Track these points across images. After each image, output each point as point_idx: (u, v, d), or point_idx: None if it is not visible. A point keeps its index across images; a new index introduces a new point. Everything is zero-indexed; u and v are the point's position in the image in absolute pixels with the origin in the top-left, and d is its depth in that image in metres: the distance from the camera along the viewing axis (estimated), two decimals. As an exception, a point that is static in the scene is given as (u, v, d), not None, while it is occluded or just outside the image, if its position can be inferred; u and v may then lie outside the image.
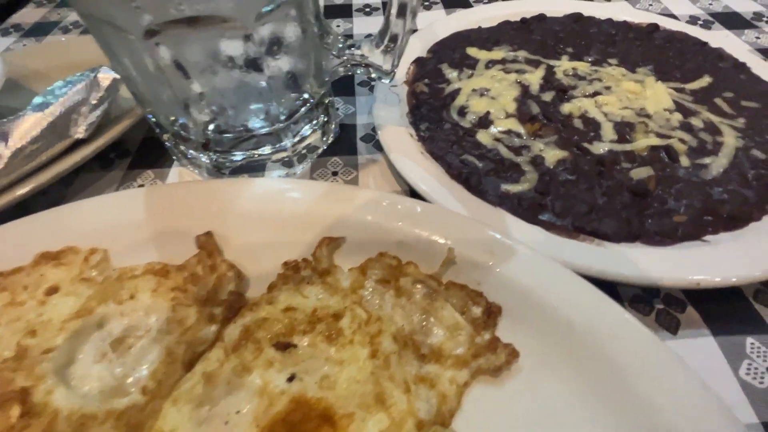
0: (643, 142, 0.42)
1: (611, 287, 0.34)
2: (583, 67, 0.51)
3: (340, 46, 0.40)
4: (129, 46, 0.31)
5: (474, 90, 0.49)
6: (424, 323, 0.31)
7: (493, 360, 0.28)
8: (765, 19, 0.67)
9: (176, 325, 0.30)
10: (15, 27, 0.73)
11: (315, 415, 0.26)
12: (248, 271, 0.34)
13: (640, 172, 0.39)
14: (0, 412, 0.24)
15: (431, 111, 0.47)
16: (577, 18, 0.60)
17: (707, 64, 0.52)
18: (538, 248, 0.33)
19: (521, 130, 0.44)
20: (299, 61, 0.37)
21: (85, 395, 0.26)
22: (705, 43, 0.55)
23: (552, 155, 0.41)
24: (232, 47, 0.32)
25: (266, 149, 0.43)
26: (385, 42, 0.37)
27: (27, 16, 0.76)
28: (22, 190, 0.38)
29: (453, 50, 0.55)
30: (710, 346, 0.32)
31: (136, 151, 0.49)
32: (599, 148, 0.42)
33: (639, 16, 0.61)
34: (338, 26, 0.70)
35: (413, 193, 0.40)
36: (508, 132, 0.44)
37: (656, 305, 0.34)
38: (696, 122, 0.44)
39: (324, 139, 0.48)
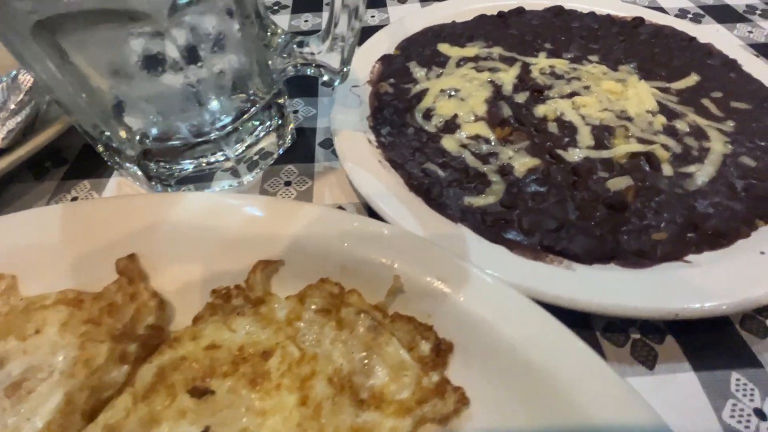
0: (622, 149, 0.38)
1: (583, 314, 0.30)
2: (561, 64, 0.47)
3: (287, 44, 0.36)
4: (28, 45, 0.27)
5: (442, 90, 0.45)
6: (366, 362, 0.27)
7: (441, 407, 0.25)
8: (758, 12, 0.63)
9: (82, 366, 0.26)
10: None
11: (227, 479, 0.22)
12: (176, 300, 0.31)
13: (618, 183, 0.36)
14: None
15: (395, 114, 0.43)
16: (557, 11, 0.56)
17: (695, 62, 0.48)
18: (500, 272, 0.29)
19: (491, 135, 0.40)
20: (236, 60, 0.33)
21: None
22: (693, 39, 0.51)
23: (522, 164, 0.37)
24: (148, 47, 0.28)
25: (213, 157, 0.39)
26: (330, 38, 0.33)
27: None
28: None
29: (423, 47, 0.51)
30: (691, 382, 0.28)
31: (75, 159, 0.45)
32: (574, 156, 0.38)
33: (625, 9, 0.57)
34: (306, 21, 0.65)
35: (370, 207, 0.36)
36: (476, 137, 0.40)
37: (632, 335, 0.30)
38: (681, 126, 0.40)
39: (279, 142, 0.44)
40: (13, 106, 0.36)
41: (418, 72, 0.48)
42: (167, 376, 0.26)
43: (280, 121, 0.44)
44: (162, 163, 0.39)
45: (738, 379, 0.28)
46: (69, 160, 0.45)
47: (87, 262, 0.31)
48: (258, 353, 0.27)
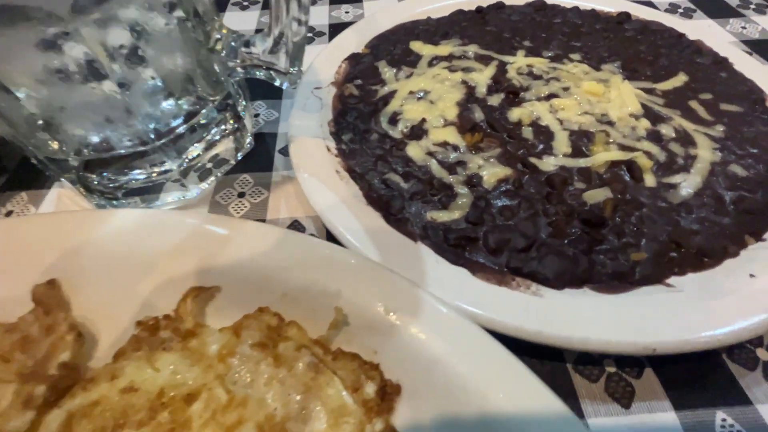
0: (601, 157, 0.35)
1: (553, 343, 0.27)
2: (540, 64, 0.44)
3: (233, 44, 0.33)
4: None
5: (411, 92, 0.42)
6: (304, 405, 0.24)
7: (384, 461, 0.22)
8: (753, 6, 0.60)
9: (-21, 415, 0.23)
10: None
11: None
12: (100, 330, 0.28)
13: (596, 195, 0.32)
14: None
15: (358, 119, 0.40)
16: (539, 6, 0.53)
17: (683, 60, 0.45)
18: (458, 300, 0.26)
19: (460, 141, 0.37)
20: (170, 63, 0.30)
21: None
22: (682, 35, 0.48)
23: (492, 174, 0.34)
24: (59, 50, 0.24)
25: (160, 167, 0.36)
26: (272, 35, 0.30)
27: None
28: None
29: (394, 45, 0.48)
30: (670, 424, 0.25)
31: (15, 168, 0.41)
32: (549, 165, 0.35)
33: (611, 3, 0.54)
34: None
35: (325, 222, 0.33)
36: (444, 144, 0.37)
37: (607, 367, 0.27)
38: (666, 131, 0.37)
39: (236, 148, 0.41)
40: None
41: (387, 72, 0.45)
42: (75, 426, 0.23)
43: (236, 125, 0.40)
44: (106, 175, 0.36)
45: (724, 420, 0.25)
46: (9, 169, 0.41)
47: (4, 288, 0.28)
48: (180, 397, 0.24)
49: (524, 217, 0.31)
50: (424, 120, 0.39)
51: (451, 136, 0.37)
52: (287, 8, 0.27)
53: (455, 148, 0.37)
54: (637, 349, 0.24)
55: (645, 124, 0.38)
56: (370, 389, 0.24)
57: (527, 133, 0.37)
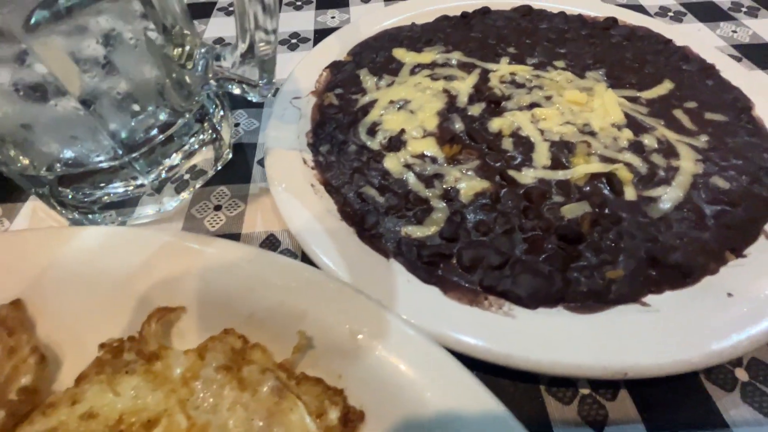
0: (581, 169, 0.34)
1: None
2: (523, 71, 0.43)
3: (204, 58, 0.32)
4: None
5: (392, 102, 0.41)
6: (267, 430, 0.23)
7: (344, 491, 0.21)
8: (744, 9, 0.59)
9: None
10: None
11: None
12: (65, 352, 0.27)
13: (574, 209, 0.32)
14: None
15: (337, 129, 0.39)
16: (525, 11, 0.52)
17: (669, 67, 0.44)
18: (427, 321, 0.26)
19: (438, 153, 0.36)
20: (137, 78, 0.29)
21: None
22: (669, 41, 0.47)
23: (469, 187, 0.34)
24: (13, 68, 0.24)
25: (134, 182, 0.36)
26: (239, 49, 0.29)
27: None
28: None
29: (377, 52, 0.47)
30: (643, 448, 0.25)
31: (-9, 180, 0.41)
32: (528, 177, 0.34)
33: (599, 8, 0.53)
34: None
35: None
36: (422, 156, 0.36)
37: (581, 389, 0.27)
38: (649, 141, 0.37)
39: (214, 157, 0.40)
40: None
41: (369, 81, 0.44)
42: (31, 454, 0.22)
43: (214, 135, 0.40)
44: (81, 190, 0.35)
45: (698, 444, 0.25)
46: (-15, 181, 0.41)
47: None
48: (140, 423, 0.23)
49: (500, 233, 0.31)
50: (403, 131, 0.38)
51: (430, 147, 0.37)
52: (253, 17, 0.27)
53: (433, 160, 0.36)
54: (607, 373, 0.24)
55: (627, 134, 0.37)
56: (333, 415, 0.23)
57: (507, 144, 0.37)
